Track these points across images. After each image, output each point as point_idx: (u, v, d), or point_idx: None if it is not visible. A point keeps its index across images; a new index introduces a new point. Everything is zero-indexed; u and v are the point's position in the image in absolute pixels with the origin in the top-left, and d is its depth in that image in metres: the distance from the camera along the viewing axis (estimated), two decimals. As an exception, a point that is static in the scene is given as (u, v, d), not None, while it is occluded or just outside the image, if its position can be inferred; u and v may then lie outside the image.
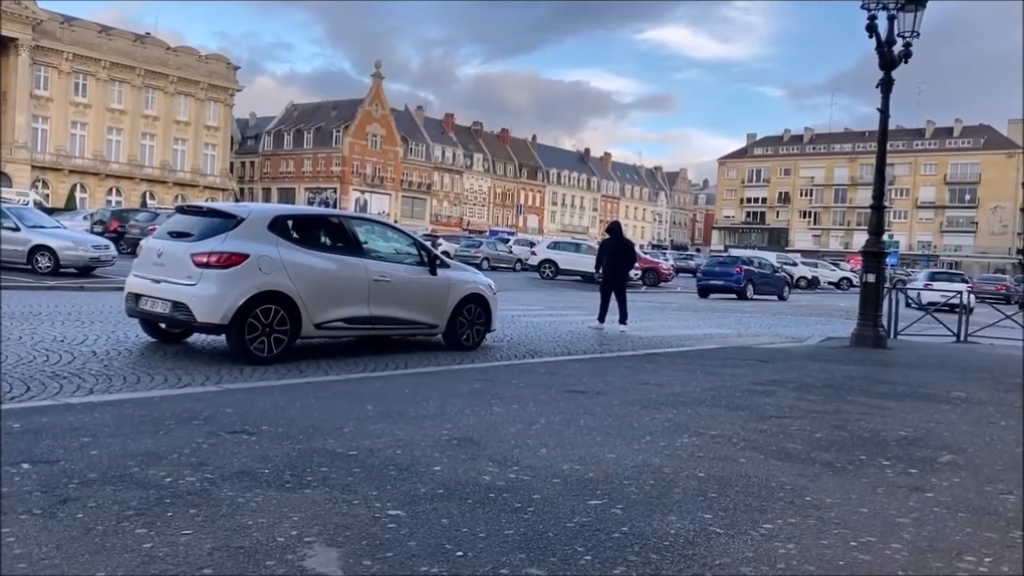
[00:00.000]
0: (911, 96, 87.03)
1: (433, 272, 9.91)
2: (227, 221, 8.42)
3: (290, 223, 8.87)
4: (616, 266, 14.79)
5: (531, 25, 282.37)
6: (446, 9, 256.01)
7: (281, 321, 8.25)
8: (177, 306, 8.07)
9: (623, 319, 14.27)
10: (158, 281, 8.28)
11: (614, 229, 15.27)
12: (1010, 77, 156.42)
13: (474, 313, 10.39)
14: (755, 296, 30.95)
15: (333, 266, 8.85)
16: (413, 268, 9.77)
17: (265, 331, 8.13)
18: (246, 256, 8.07)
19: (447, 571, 2.98)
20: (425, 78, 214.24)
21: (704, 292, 30.75)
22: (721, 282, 30.68)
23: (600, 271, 15.16)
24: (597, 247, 18.55)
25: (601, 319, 14.45)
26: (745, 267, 31.67)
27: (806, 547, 3.44)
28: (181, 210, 9.88)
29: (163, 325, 8.94)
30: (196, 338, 9.35)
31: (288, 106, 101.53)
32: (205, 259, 8.01)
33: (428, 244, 11.08)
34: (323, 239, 9.27)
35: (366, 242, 9.54)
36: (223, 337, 8.30)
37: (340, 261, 8.96)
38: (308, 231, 9.17)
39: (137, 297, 8.52)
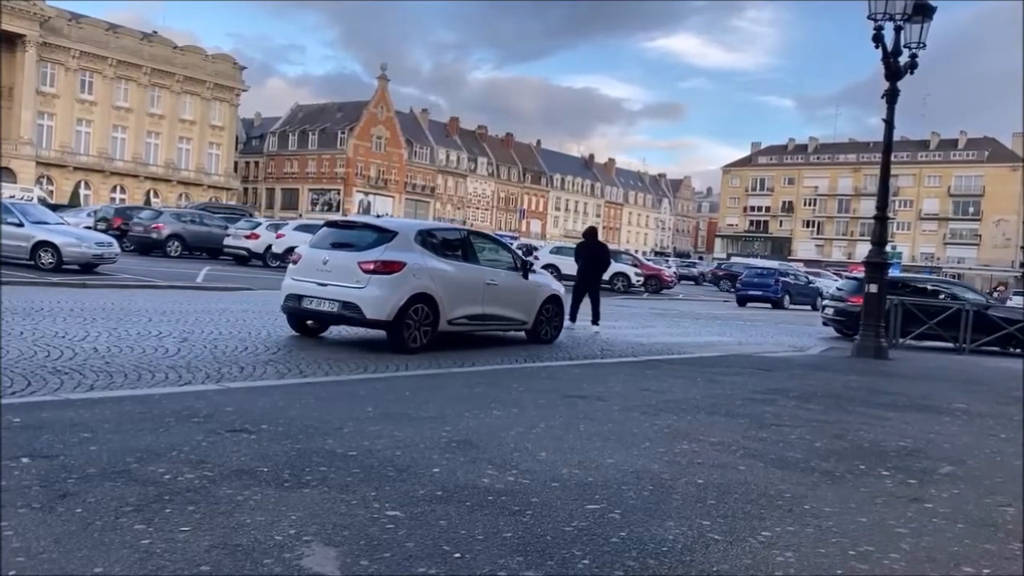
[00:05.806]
0: (916, 107, 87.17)
1: (525, 276, 11.72)
2: (384, 235, 10.02)
3: (430, 236, 10.55)
4: (591, 268, 15.34)
5: (543, 31, 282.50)
6: (459, 14, 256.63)
7: (426, 318, 9.79)
8: (346, 305, 9.54)
9: (596, 319, 14.71)
10: (324, 284, 9.72)
11: (590, 234, 15.90)
12: (1015, 90, 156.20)
13: (551, 312, 12.10)
14: (791, 306, 32.68)
15: (460, 272, 10.56)
16: (511, 273, 11.59)
17: (416, 326, 9.70)
18: (404, 264, 9.67)
19: (444, 572, 2.98)
20: (435, 82, 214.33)
21: (742, 301, 32.49)
22: (760, 292, 32.68)
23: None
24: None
25: (572, 318, 14.51)
26: (782, 279, 33.97)
27: (804, 555, 3.44)
28: (333, 224, 11.34)
29: (310, 322, 10.44)
30: (331, 331, 10.86)
31: (293, 107, 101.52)
32: (372, 266, 9.53)
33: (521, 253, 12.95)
34: (452, 250, 10.85)
35: (480, 251, 11.28)
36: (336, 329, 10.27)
37: (464, 268, 10.69)
38: (441, 243, 10.77)
39: (299, 298, 9.96)
